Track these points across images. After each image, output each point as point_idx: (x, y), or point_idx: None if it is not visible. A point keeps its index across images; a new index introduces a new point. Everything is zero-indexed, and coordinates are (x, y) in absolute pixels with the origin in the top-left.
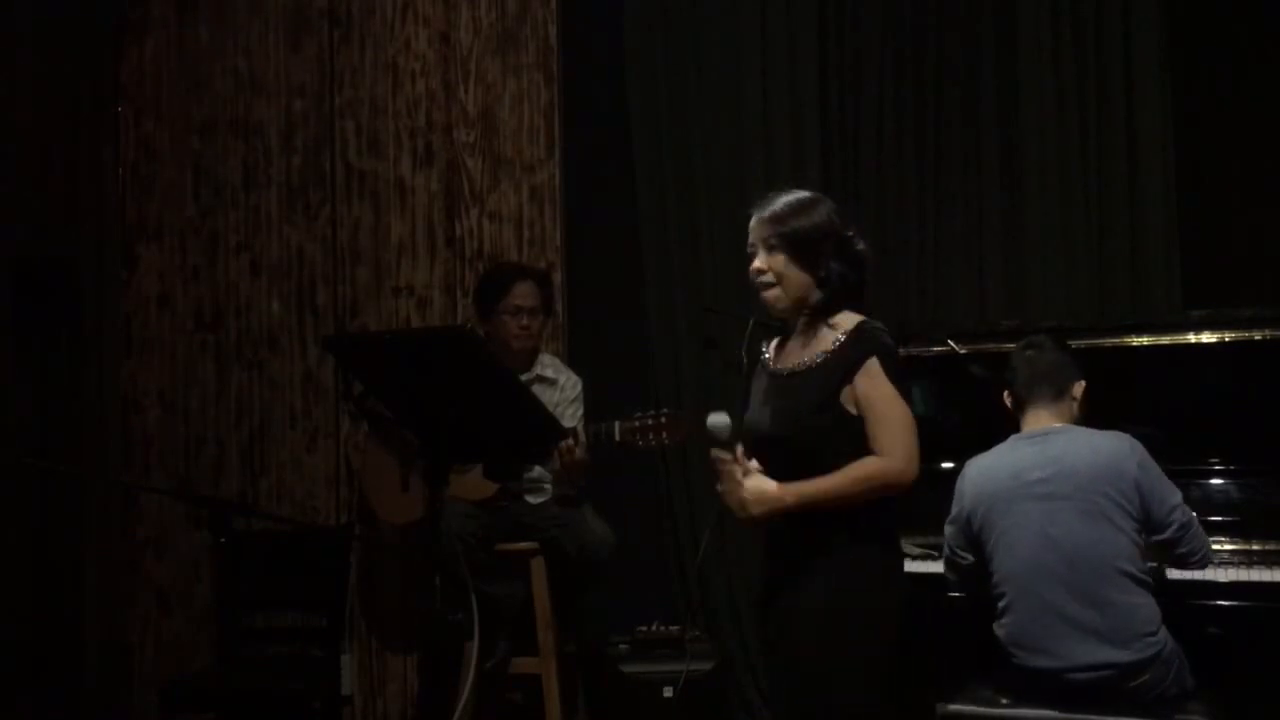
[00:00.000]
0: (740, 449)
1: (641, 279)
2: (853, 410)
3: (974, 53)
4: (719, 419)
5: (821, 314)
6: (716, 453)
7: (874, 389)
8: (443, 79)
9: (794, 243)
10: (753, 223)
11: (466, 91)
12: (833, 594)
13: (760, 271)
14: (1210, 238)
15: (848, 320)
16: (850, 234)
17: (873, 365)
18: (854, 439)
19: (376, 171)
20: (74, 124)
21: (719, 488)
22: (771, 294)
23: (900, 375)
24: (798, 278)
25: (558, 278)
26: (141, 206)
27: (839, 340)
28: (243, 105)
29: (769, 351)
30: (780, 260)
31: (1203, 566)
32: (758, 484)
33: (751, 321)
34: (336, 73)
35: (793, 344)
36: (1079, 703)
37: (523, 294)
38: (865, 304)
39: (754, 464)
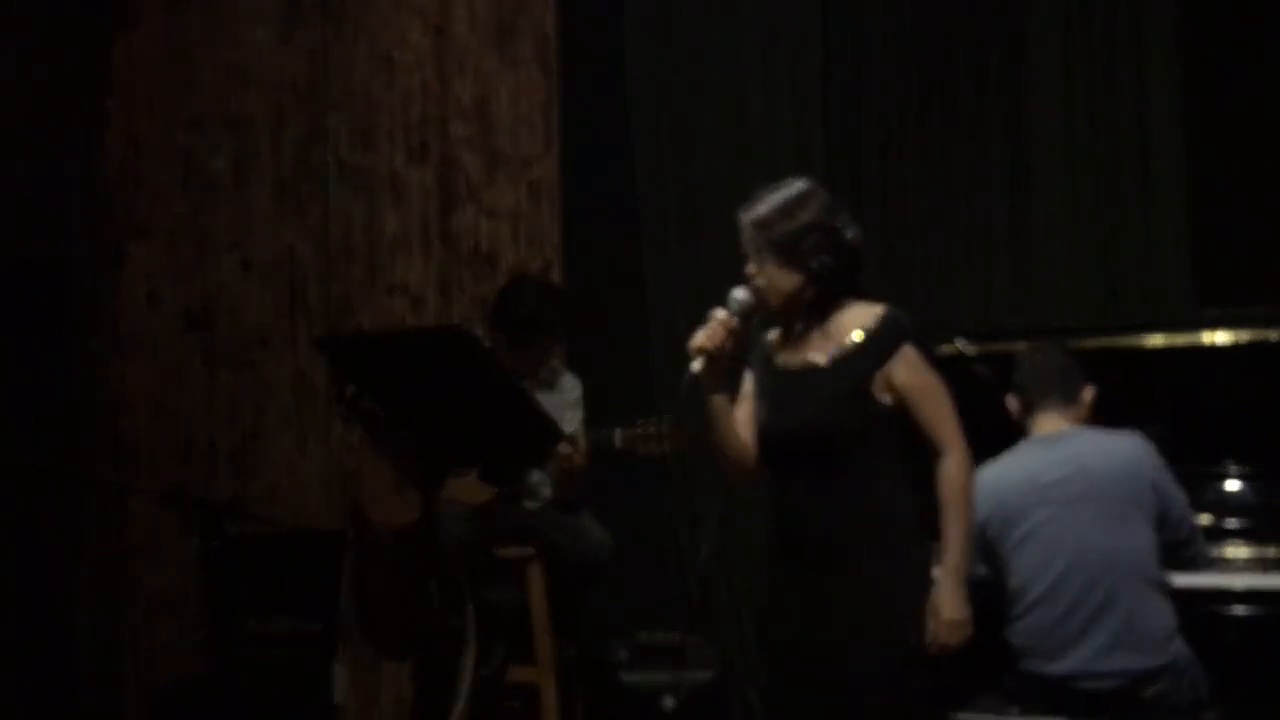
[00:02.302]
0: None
1: (641, 279)
2: (885, 399)
3: (980, 49)
4: (742, 290)
5: (821, 308)
6: (721, 314)
7: (918, 377)
8: (437, 72)
9: (780, 247)
10: (741, 225)
11: (462, 85)
12: (859, 595)
13: (752, 274)
14: (1223, 235)
15: (869, 308)
16: (838, 225)
17: (909, 353)
18: (885, 428)
19: (370, 167)
20: (62, 120)
21: (699, 339)
22: (763, 296)
23: (933, 359)
24: (786, 280)
25: (556, 275)
26: (130, 203)
27: (868, 328)
28: (233, 99)
29: (772, 346)
30: (768, 264)
31: (1201, 568)
32: (941, 611)
33: (753, 321)
34: (329, 66)
35: (802, 340)
36: (1091, 710)
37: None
38: (860, 290)
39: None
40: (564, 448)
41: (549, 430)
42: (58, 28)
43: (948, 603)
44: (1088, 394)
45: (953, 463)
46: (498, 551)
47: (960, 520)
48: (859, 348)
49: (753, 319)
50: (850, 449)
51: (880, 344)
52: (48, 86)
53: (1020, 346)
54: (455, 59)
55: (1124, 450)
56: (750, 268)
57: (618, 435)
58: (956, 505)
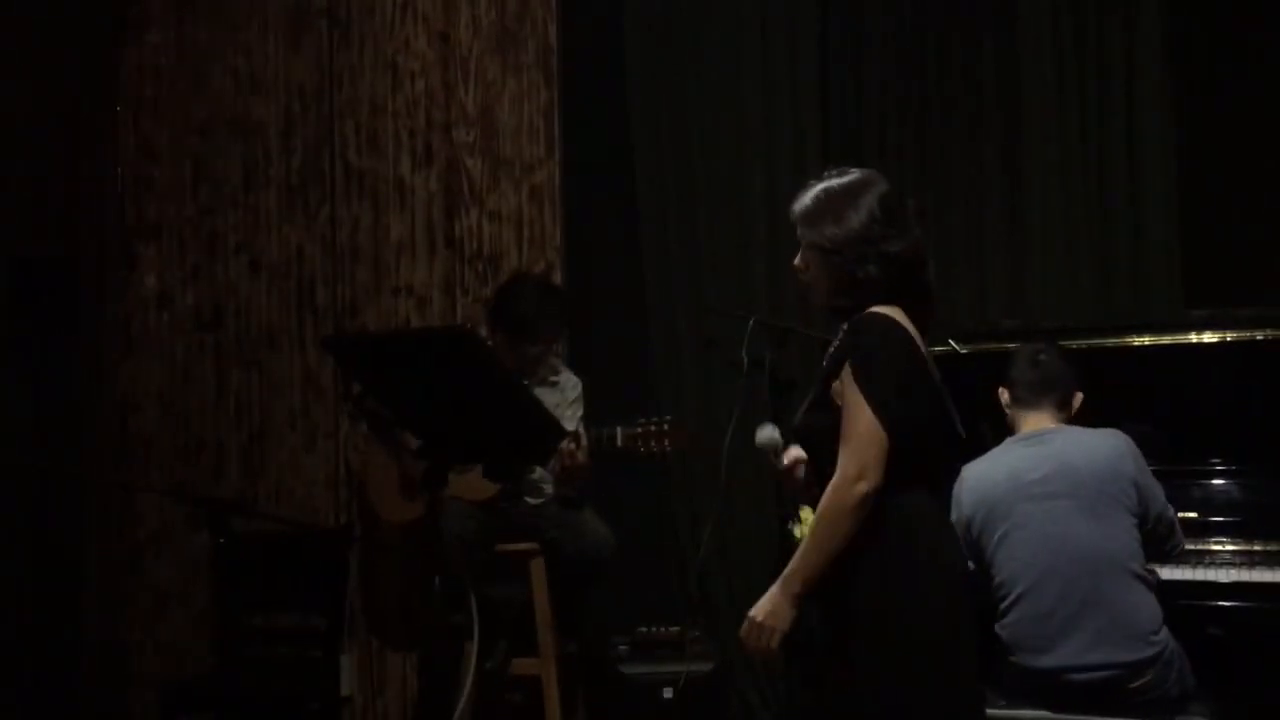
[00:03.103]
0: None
1: (641, 279)
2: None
3: (975, 52)
4: (764, 433)
5: (850, 314)
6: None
7: (846, 393)
8: (442, 79)
9: (823, 248)
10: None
11: (466, 91)
12: (853, 599)
13: (799, 269)
14: (1211, 237)
15: (860, 313)
16: (889, 234)
17: (847, 369)
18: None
19: (376, 171)
20: (73, 123)
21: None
22: (806, 289)
23: (872, 379)
24: (826, 280)
25: (558, 278)
26: (141, 206)
27: (841, 336)
28: (242, 105)
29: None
30: (812, 261)
31: (1177, 561)
32: (761, 605)
33: (751, 322)
34: (335, 72)
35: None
36: (1081, 703)
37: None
38: (907, 299)
39: (798, 452)
40: (566, 444)
41: (551, 428)
42: (69, 33)
43: (758, 604)
44: (1077, 400)
45: (830, 485)
46: (501, 547)
47: (810, 539)
48: (831, 354)
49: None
50: (817, 450)
51: (839, 352)
52: (60, 90)
53: (1012, 347)
54: (459, 66)
55: (1105, 447)
56: (798, 260)
57: (618, 434)
58: (815, 532)
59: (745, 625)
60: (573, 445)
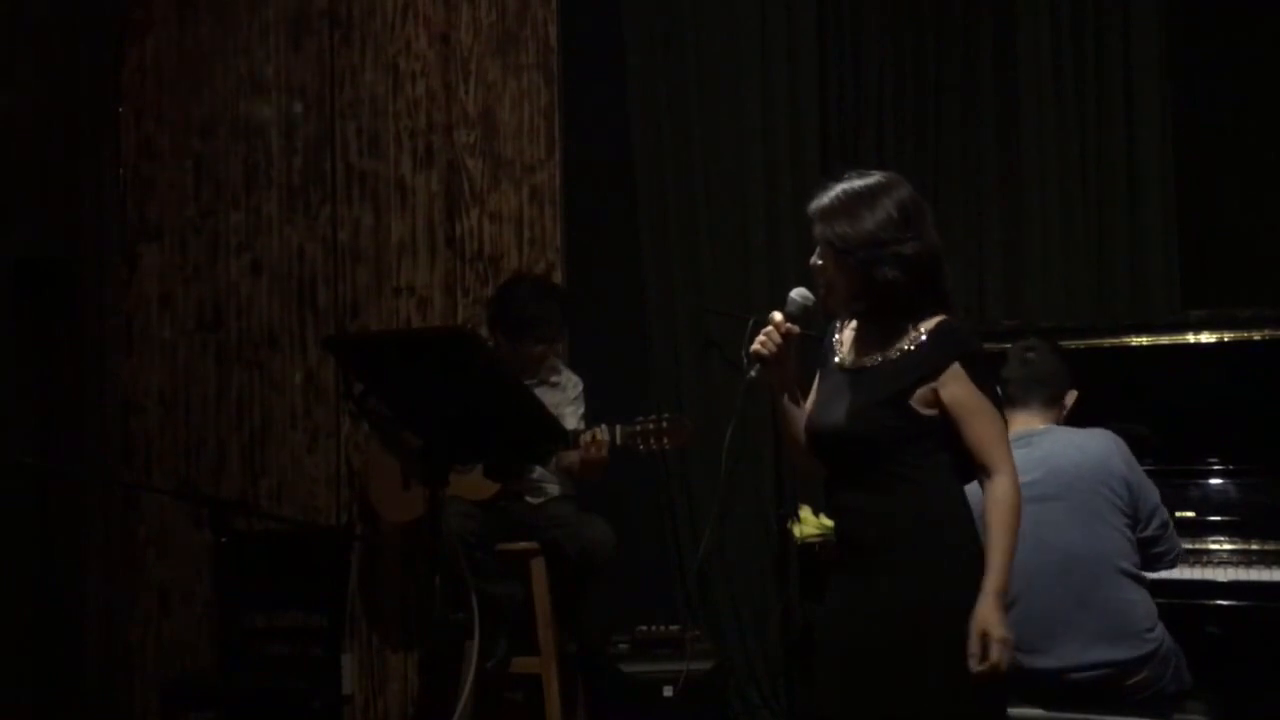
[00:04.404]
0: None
1: (641, 279)
2: (925, 411)
3: (974, 53)
4: (800, 291)
5: (883, 314)
6: (777, 318)
7: (967, 397)
8: (443, 80)
9: (838, 250)
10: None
11: (467, 92)
12: (899, 598)
13: (816, 268)
14: (1209, 238)
15: (930, 319)
16: (906, 236)
17: (958, 371)
18: (918, 439)
19: (377, 172)
20: (74, 124)
21: (756, 344)
22: (822, 291)
23: (987, 376)
24: (844, 282)
25: (558, 278)
26: (142, 207)
27: (919, 340)
28: (243, 106)
29: (837, 341)
30: (828, 260)
31: (1172, 568)
32: (980, 618)
33: (751, 321)
34: (337, 73)
35: (863, 339)
36: (1079, 702)
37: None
38: (939, 295)
39: (791, 326)
40: (588, 436)
41: (552, 429)
42: (72, 34)
43: (998, 622)
44: (1070, 398)
45: (1007, 483)
46: (501, 546)
47: (1007, 541)
48: (904, 358)
49: (813, 318)
50: (886, 456)
51: (928, 358)
52: (62, 92)
53: (1009, 347)
54: (460, 67)
55: (1094, 447)
56: (815, 259)
57: (618, 432)
58: (1006, 526)
59: (994, 650)
60: (598, 435)
